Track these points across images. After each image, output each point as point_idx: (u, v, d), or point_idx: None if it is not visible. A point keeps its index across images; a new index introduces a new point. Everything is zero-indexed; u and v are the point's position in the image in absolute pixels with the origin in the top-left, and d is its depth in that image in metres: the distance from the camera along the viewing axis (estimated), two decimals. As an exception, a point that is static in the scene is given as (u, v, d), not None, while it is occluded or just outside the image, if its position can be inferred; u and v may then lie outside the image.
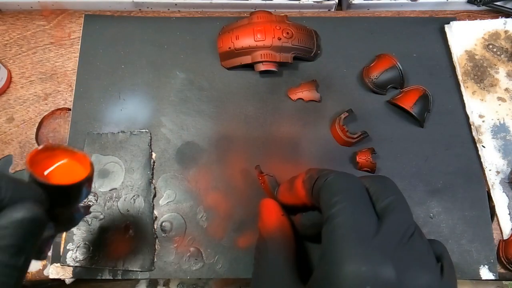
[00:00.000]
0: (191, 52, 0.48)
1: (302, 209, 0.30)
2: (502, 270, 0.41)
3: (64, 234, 0.40)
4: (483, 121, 0.45)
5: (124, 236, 0.40)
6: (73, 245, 0.40)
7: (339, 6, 0.52)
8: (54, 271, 0.40)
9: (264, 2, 0.50)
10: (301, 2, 0.50)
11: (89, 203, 0.41)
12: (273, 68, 0.44)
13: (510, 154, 0.44)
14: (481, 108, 0.46)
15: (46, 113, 0.46)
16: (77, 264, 0.39)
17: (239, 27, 0.45)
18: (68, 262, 0.39)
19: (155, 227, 0.41)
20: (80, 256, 0.39)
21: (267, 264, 0.28)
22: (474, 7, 0.51)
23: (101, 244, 0.40)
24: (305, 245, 0.30)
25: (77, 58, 0.47)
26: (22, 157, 0.44)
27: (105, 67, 0.47)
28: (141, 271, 0.39)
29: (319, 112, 0.46)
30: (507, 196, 0.43)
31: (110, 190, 0.42)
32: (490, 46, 0.48)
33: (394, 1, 0.51)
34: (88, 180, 0.27)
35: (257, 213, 0.32)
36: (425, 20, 0.50)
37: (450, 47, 0.48)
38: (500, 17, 0.49)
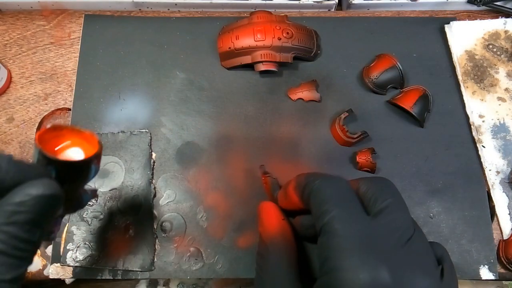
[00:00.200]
0: (191, 52, 0.48)
1: (301, 212, 0.30)
2: (502, 270, 0.41)
3: (64, 234, 0.40)
4: (483, 121, 0.45)
5: (124, 236, 0.40)
6: (73, 245, 0.40)
7: (339, 6, 0.52)
8: (54, 271, 0.40)
9: (264, 2, 0.50)
10: (301, 2, 0.50)
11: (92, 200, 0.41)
12: (273, 68, 0.44)
13: (510, 154, 0.44)
14: (481, 108, 0.46)
15: (46, 113, 0.46)
16: (77, 264, 0.39)
17: (239, 27, 0.45)
18: (68, 262, 0.39)
19: (155, 227, 0.41)
20: (80, 256, 0.39)
21: (269, 270, 0.28)
22: (474, 7, 0.51)
23: (101, 244, 0.40)
24: (305, 246, 0.30)
25: (77, 58, 0.47)
26: (22, 157, 0.44)
27: (105, 67, 0.47)
28: (141, 271, 0.39)
29: (319, 112, 0.46)
30: (507, 196, 0.43)
31: (110, 190, 0.42)
32: (490, 46, 0.48)
33: (394, 1, 0.51)
34: (97, 156, 0.27)
35: (257, 213, 0.32)
36: (425, 20, 0.50)
37: (450, 47, 0.48)
38: (500, 17, 0.49)
